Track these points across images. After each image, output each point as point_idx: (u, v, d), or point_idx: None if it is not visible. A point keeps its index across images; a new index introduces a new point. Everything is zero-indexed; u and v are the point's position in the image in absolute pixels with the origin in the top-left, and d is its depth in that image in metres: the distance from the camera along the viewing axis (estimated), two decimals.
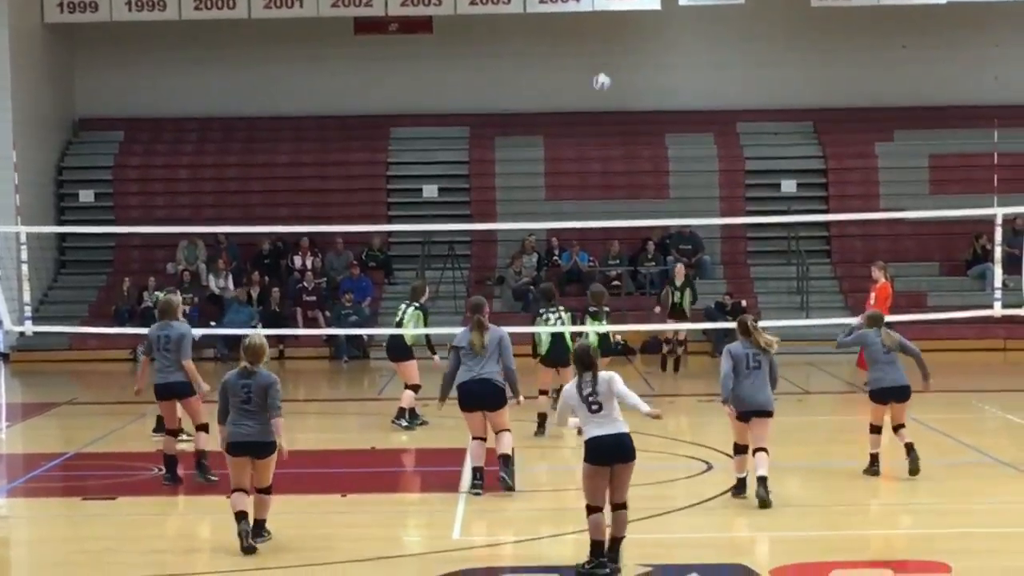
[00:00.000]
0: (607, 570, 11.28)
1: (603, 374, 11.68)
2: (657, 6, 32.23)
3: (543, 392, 18.76)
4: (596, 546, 11.35)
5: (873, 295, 23.75)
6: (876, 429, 15.26)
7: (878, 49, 34.38)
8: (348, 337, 29.39)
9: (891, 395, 15.10)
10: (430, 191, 34.19)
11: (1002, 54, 34.54)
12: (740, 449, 14.24)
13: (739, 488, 14.18)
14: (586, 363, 11.67)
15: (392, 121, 35.20)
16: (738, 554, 12.29)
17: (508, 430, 14.69)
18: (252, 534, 12.13)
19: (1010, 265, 23.43)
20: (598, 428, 11.48)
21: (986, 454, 16.78)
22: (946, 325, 26.69)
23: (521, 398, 14.92)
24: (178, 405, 15.25)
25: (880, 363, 15.13)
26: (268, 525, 12.38)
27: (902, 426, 15.24)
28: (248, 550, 11.98)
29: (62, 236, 33.30)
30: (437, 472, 16.28)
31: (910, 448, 15.05)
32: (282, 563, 11.87)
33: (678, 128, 34.82)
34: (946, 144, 33.82)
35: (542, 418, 18.48)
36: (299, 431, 18.78)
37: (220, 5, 32.19)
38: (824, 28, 34.01)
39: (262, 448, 12.17)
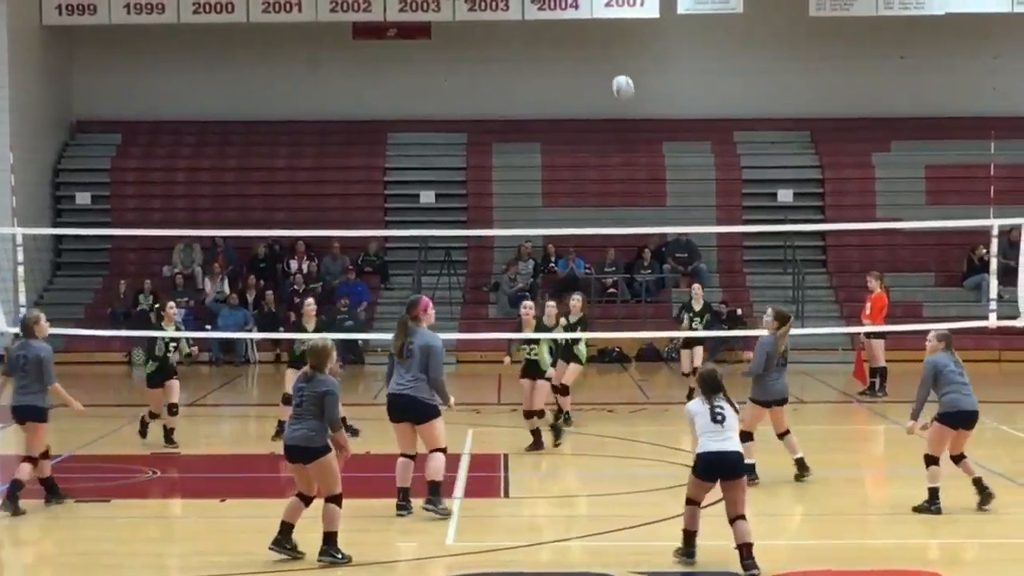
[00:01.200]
0: (744, 569, 11.61)
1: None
2: (656, 14, 32.24)
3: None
4: (687, 536, 11.94)
5: (868, 305, 23.77)
6: (936, 460, 13.84)
7: (876, 59, 34.42)
8: (343, 342, 29.36)
9: (965, 421, 13.84)
10: (427, 197, 34.20)
11: (1000, 65, 34.59)
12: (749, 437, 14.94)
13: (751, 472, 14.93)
14: (714, 387, 11.88)
15: (390, 126, 35.23)
16: (731, 562, 12.28)
17: (440, 449, 13.73)
18: (320, 551, 11.94)
19: (1006, 276, 23.42)
20: (712, 442, 11.71)
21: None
22: None
23: (452, 402, 14.25)
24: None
25: (956, 383, 13.72)
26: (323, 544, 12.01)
27: (964, 457, 14.08)
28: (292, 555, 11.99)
29: (58, 238, 33.29)
30: None
31: (981, 482, 13.99)
32: (275, 568, 11.86)
33: (675, 136, 34.84)
34: (943, 155, 33.86)
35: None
36: None
37: (219, 9, 32.17)
38: (822, 38, 34.04)
39: (306, 453, 11.95)
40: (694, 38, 34.80)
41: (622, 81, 20.84)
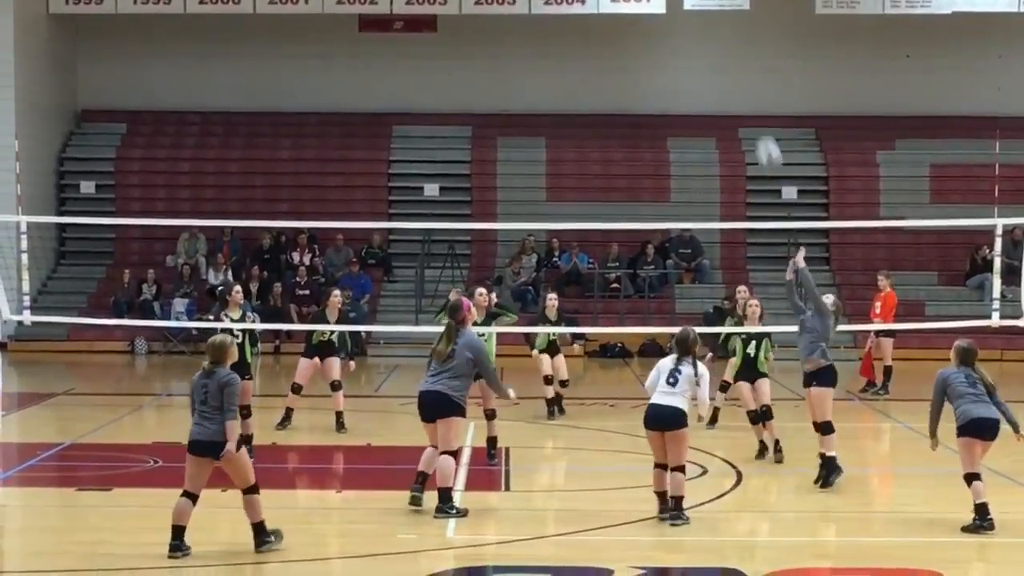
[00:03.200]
0: (669, 519, 13.12)
1: (701, 367, 13.38)
2: (662, 10, 32.24)
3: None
4: (658, 497, 13.29)
5: (878, 304, 23.77)
6: (976, 475, 13.14)
7: (881, 58, 34.41)
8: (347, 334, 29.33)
9: (983, 429, 13.14)
10: (431, 190, 34.21)
11: (1005, 65, 34.58)
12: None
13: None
14: (682, 347, 13.40)
15: (395, 119, 35.22)
16: (733, 559, 12.31)
17: (452, 452, 13.48)
18: (255, 543, 11.89)
19: (1009, 276, 23.43)
20: (659, 397, 13.33)
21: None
22: (943, 335, 26.68)
23: (513, 395, 14.21)
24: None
25: (966, 395, 13.21)
26: (270, 526, 11.97)
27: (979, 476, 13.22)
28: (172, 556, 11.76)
29: (62, 227, 33.32)
30: (433, 470, 16.25)
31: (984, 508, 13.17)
32: (275, 558, 11.87)
33: (680, 132, 34.83)
34: (947, 154, 33.85)
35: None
36: (294, 427, 18.80)
37: (225, 0, 32.18)
38: (828, 36, 34.03)
39: (219, 448, 11.84)
40: (700, 34, 34.77)
41: (769, 149, 17.39)
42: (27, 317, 19.96)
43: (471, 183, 34.43)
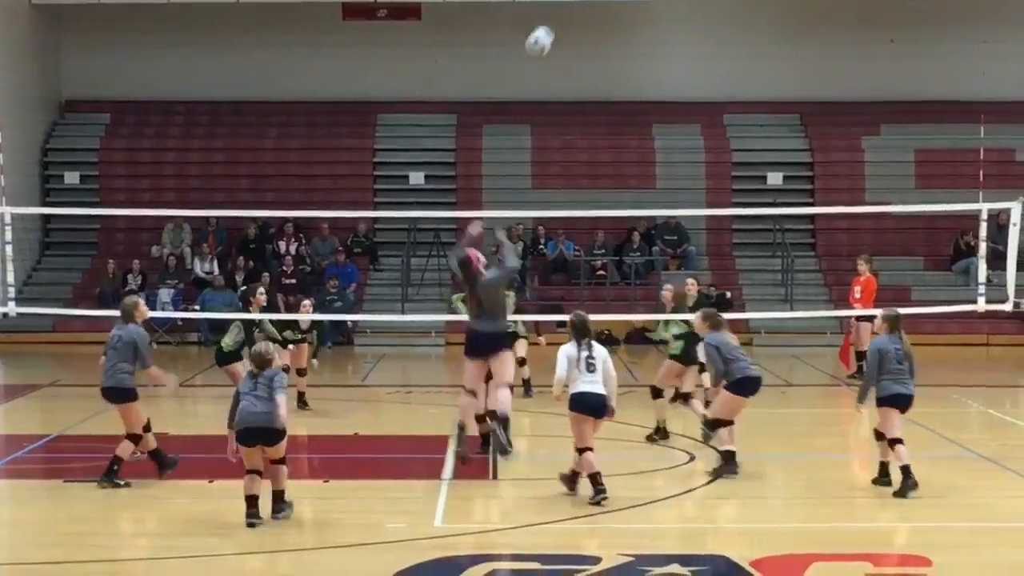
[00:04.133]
0: (606, 496, 13.36)
1: (598, 345, 13.62)
2: None
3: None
4: (593, 478, 13.46)
5: (857, 288, 23.79)
6: (899, 440, 14.17)
7: (866, 43, 34.43)
8: (332, 323, 29.35)
9: (895, 402, 14.14)
10: (416, 178, 34.18)
11: (990, 50, 34.61)
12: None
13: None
14: (582, 331, 13.63)
15: (379, 108, 35.17)
16: (719, 545, 12.32)
17: (509, 384, 14.41)
18: (273, 509, 12.61)
19: (994, 260, 23.48)
20: (587, 385, 13.45)
21: (967, 448, 16.83)
22: (930, 320, 26.80)
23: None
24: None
25: (891, 371, 14.12)
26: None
27: (880, 439, 14.33)
28: (251, 525, 12.40)
29: (47, 218, 33.22)
30: (420, 459, 16.28)
31: (885, 469, 14.36)
32: (262, 548, 11.88)
33: (665, 119, 34.83)
34: (933, 139, 33.90)
35: None
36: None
37: None
38: (813, 21, 34.07)
39: (270, 434, 12.59)
40: (685, 21, 34.77)
41: (539, 35, 17.97)
42: (12, 308, 19.99)
43: (456, 171, 34.41)
